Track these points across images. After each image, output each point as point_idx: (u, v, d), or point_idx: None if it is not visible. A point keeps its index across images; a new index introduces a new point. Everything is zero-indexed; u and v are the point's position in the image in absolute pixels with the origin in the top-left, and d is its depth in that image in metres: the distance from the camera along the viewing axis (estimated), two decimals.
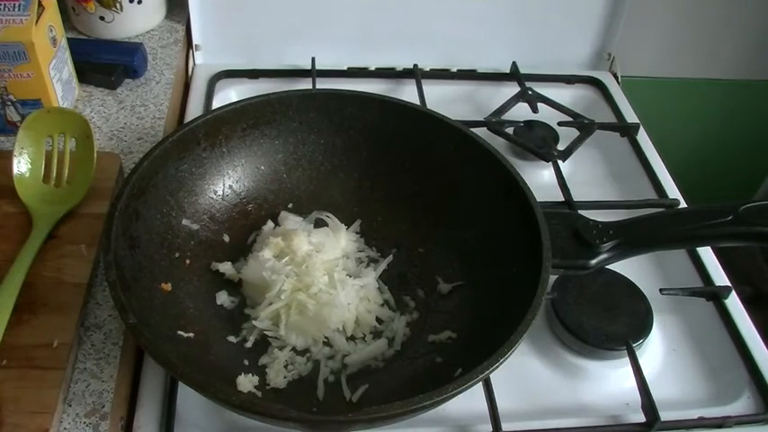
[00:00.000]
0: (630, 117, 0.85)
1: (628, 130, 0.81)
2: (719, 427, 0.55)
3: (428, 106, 0.74)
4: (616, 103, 0.87)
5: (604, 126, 0.81)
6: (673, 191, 0.75)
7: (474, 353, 0.47)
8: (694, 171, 1.23)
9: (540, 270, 0.50)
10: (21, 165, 0.60)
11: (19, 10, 0.62)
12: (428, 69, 0.87)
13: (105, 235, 0.50)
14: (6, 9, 0.62)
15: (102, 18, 0.81)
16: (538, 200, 0.56)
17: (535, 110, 0.81)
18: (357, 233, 0.64)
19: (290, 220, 0.63)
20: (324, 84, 0.81)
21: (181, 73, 0.84)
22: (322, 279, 0.57)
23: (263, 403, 0.48)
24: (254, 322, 0.55)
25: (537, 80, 0.87)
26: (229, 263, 0.59)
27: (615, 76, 0.92)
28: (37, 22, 0.63)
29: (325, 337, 0.56)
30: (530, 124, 0.80)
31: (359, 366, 0.54)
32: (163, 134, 0.71)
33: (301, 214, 0.65)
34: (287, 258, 0.58)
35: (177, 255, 0.57)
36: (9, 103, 0.66)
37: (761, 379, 0.58)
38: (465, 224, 0.62)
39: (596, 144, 0.81)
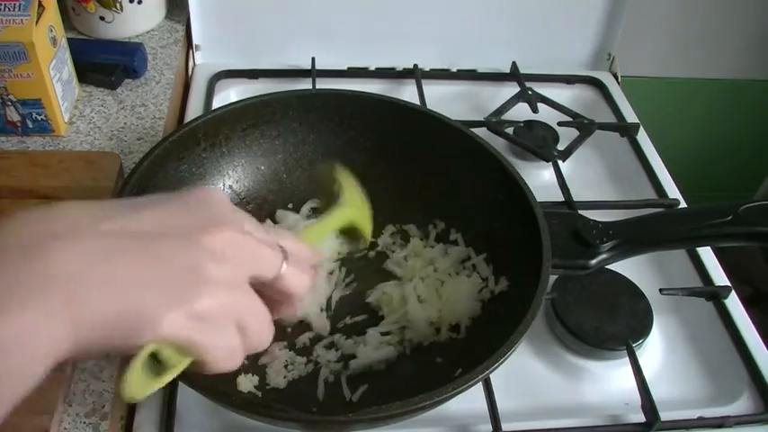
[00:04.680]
0: (630, 117, 0.85)
1: (628, 130, 0.81)
2: (719, 427, 0.55)
3: (428, 106, 0.74)
4: (616, 103, 0.87)
5: (604, 126, 0.81)
6: (673, 191, 0.75)
7: (474, 353, 0.47)
8: (694, 171, 1.23)
9: (540, 270, 0.50)
10: None
11: (19, 10, 0.62)
12: (428, 69, 0.87)
13: None
14: (6, 9, 0.62)
15: (102, 18, 0.81)
16: (538, 200, 0.56)
17: (535, 110, 0.81)
18: None
19: (289, 218, 0.63)
20: (324, 84, 0.81)
21: (181, 73, 0.84)
22: None
23: (263, 403, 0.48)
24: None
25: (537, 80, 0.87)
26: None
27: (615, 76, 0.92)
28: (37, 22, 0.63)
29: (329, 340, 0.56)
30: (530, 124, 0.80)
31: (362, 369, 0.54)
32: (163, 134, 0.71)
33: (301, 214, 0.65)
34: None
35: None
36: (9, 103, 0.66)
37: (761, 379, 0.58)
38: (465, 224, 0.62)
39: (596, 144, 0.81)
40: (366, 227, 0.54)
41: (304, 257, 0.38)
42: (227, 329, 0.32)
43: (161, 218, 0.31)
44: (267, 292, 0.35)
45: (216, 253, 0.31)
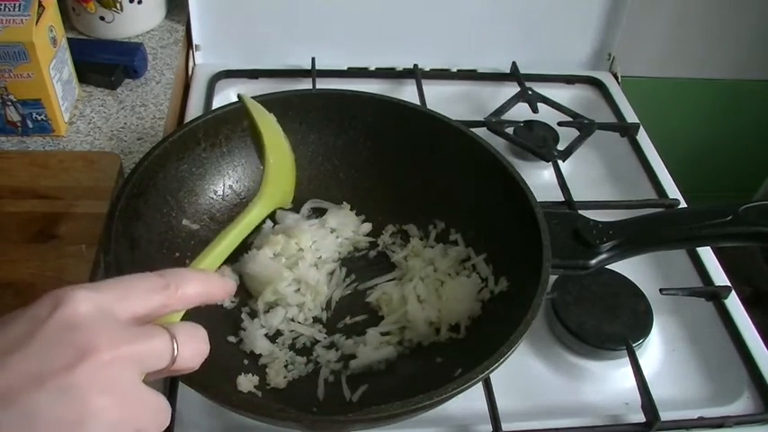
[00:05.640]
0: (630, 117, 0.85)
1: (628, 130, 0.81)
2: (719, 427, 0.55)
3: (428, 106, 0.74)
4: (616, 103, 0.87)
5: (604, 126, 0.81)
6: (673, 191, 0.75)
7: (474, 353, 0.47)
8: (694, 171, 1.23)
9: (540, 270, 0.50)
10: None
11: (19, 10, 0.62)
12: (428, 69, 0.87)
13: (105, 235, 0.50)
14: (6, 9, 0.62)
15: (102, 18, 0.81)
16: (538, 200, 0.56)
17: (535, 110, 0.81)
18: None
19: (289, 218, 0.63)
20: (324, 84, 0.81)
21: (181, 73, 0.84)
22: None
23: (263, 403, 0.48)
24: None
25: (537, 80, 0.87)
26: (228, 268, 0.59)
27: (615, 76, 0.92)
28: (37, 22, 0.63)
29: (329, 340, 0.56)
30: (530, 124, 0.80)
31: (362, 369, 0.54)
32: (163, 134, 0.71)
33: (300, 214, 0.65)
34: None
35: (177, 255, 0.57)
36: (9, 103, 0.66)
37: (761, 379, 0.58)
38: (465, 224, 0.62)
39: (596, 144, 0.81)
40: (287, 200, 0.52)
41: (195, 332, 0.36)
42: None
43: (27, 363, 0.28)
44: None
45: (94, 386, 0.29)
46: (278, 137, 0.54)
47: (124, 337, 0.31)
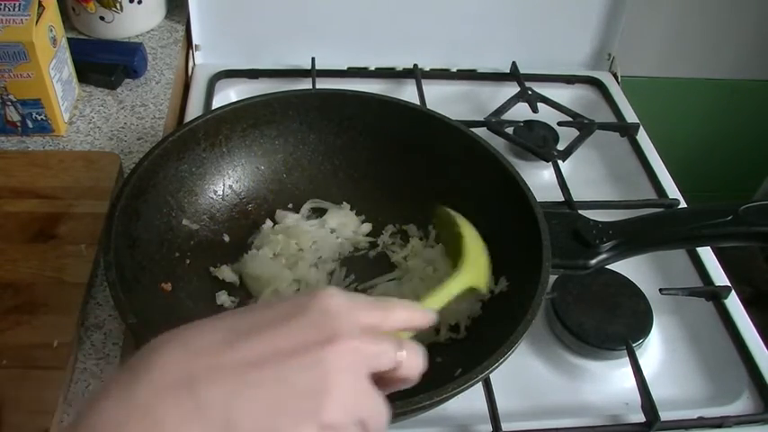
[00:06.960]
0: (630, 117, 0.85)
1: (628, 130, 0.81)
2: (719, 426, 0.55)
3: (428, 106, 0.74)
4: (616, 103, 0.87)
5: (604, 126, 0.81)
6: (673, 191, 0.75)
7: (474, 353, 0.48)
8: (694, 171, 1.23)
9: (540, 270, 0.50)
10: None
11: (19, 10, 0.62)
12: (428, 69, 0.87)
13: (105, 235, 0.50)
14: (6, 9, 0.62)
15: (102, 18, 0.81)
16: (538, 200, 0.56)
17: (535, 110, 0.81)
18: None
19: (289, 219, 0.63)
20: (324, 84, 0.81)
21: (181, 73, 0.84)
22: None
23: None
24: None
25: (537, 80, 0.87)
26: (229, 269, 0.59)
27: (615, 76, 0.92)
28: (37, 22, 0.63)
29: None
30: (530, 124, 0.80)
31: None
32: (163, 134, 0.71)
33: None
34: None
35: (177, 254, 0.57)
36: (9, 103, 0.66)
37: (760, 379, 0.58)
38: None
39: (596, 144, 0.81)
40: (483, 284, 0.53)
41: (417, 348, 0.38)
42: (351, 430, 0.34)
43: (287, 336, 0.33)
44: (385, 375, 0.37)
45: (337, 365, 0.33)
46: (477, 239, 0.55)
47: (364, 334, 0.35)
